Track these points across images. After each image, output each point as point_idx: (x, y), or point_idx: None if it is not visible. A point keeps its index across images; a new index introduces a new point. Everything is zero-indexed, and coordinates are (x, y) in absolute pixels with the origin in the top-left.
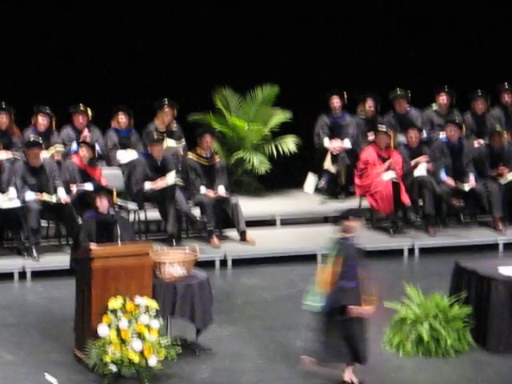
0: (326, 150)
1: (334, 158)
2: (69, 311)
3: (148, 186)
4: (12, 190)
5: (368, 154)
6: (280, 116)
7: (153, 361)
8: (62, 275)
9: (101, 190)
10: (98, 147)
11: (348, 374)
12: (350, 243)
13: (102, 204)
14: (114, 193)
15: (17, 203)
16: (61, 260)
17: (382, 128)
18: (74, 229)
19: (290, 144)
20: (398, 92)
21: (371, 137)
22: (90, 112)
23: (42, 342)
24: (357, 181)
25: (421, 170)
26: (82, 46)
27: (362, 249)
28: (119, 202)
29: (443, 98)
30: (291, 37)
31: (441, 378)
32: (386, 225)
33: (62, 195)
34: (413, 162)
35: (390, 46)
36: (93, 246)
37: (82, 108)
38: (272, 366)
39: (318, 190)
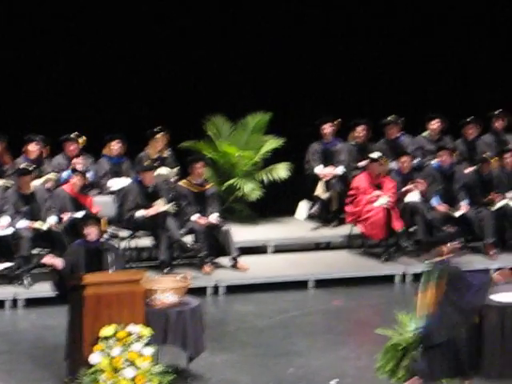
0: (317, 177)
1: (326, 185)
2: (61, 339)
3: (140, 213)
4: (4, 218)
5: (359, 181)
6: (272, 143)
7: None
8: (54, 303)
9: (88, 218)
10: (89, 175)
11: None
12: (450, 265)
13: (92, 231)
14: (103, 221)
15: (9, 231)
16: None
17: (375, 155)
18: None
19: (281, 171)
20: (390, 118)
21: (362, 162)
22: (82, 140)
23: (34, 370)
24: (347, 208)
25: (413, 195)
26: (74, 74)
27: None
28: (111, 229)
29: (435, 124)
30: (282, 64)
31: None
32: (378, 251)
33: (52, 222)
34: (404, 189)
35: (383, 72)
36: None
37: (73, 136)
38: None
39: (309, 216)
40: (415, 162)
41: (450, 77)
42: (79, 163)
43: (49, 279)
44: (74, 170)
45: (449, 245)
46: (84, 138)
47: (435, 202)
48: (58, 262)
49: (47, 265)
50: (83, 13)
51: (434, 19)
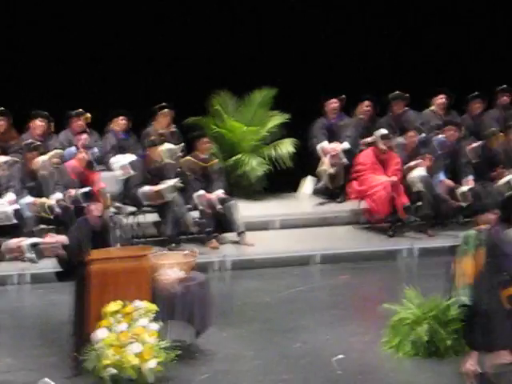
0: (323, 152)
1: (332, 160)
2: (67, 315)
3: (146, 189)
4: (11, 194)
5: (365, 156)
6: (278, 118)
7: (152, 363)
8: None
9: (92, 194)
10: (96, 150)
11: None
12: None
13: (96, 208)
14: (107, 197)
15: (15, 207)
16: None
17: (382, 132)
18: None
19: (288, 146)
20: (396, 93)
21: (368, 139)
22: (88, 115)
23: (41, 346)
24: (352, 184)
25: (419, 170)
26: (79, 50)
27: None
28: (117, 204)
29: (441, 100)
30: (288, 39)
31: (440, 379)
32: (384, 226)
33: (58, 198)
34: (411, 163)
35: (388, 48)
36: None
37: (78, 112)
38: (271, 368)
39: (315, 192)
40: (421, 136)
41: (455, 51)
42: (82, 139)
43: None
44: (81, 146)
45: (486, 214)
46: (89, 114)
47: (441, 176)
48: (61, 238)
49: (50, 243)
50: None
51: None
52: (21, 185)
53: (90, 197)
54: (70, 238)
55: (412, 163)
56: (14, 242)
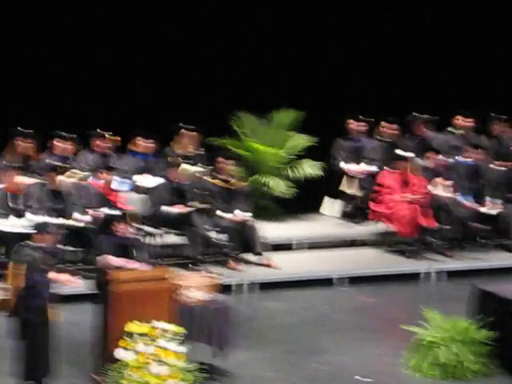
0: (343, 173)
1: (352, 181)
2: (88, 335)
3: (167, 209)
4: (30, 215)
5: (386, 178)
6: (297, 139)
7: None
8: (80, 299)
9: (119, 214)
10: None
11: None
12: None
13: (122, 228)
14: (132, 216)
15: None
16: (81, 284)
17: (402, 154)
18: (92, 252)
19: (307, 167)
20: (417, 115)
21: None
22: (109, 136)
23: (62, 366)
24: (372, 205)
25: (440, 189)
26: (102, 71)
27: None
28: (138, 225)
29: (461, 121)
30: (310, 60)
31: None
32: (405, 248)
33: (79, 219)
34: (432, 184)
35: (413, 69)
36: (110, 258)
37: (100, 133)
38: None
39: (336, 213)
40: (442, 158)
41: (476, 73)
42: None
43: (74, 275)
44: (102, 167)
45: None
46: (118, 138)
47: (462, 198)
48: (75, 281)
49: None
50: (118, 9)
51: (459, 13)
52: (40, 205)
53: (115, 217)
54: (97, 258)
55: (434, 183)
56: None
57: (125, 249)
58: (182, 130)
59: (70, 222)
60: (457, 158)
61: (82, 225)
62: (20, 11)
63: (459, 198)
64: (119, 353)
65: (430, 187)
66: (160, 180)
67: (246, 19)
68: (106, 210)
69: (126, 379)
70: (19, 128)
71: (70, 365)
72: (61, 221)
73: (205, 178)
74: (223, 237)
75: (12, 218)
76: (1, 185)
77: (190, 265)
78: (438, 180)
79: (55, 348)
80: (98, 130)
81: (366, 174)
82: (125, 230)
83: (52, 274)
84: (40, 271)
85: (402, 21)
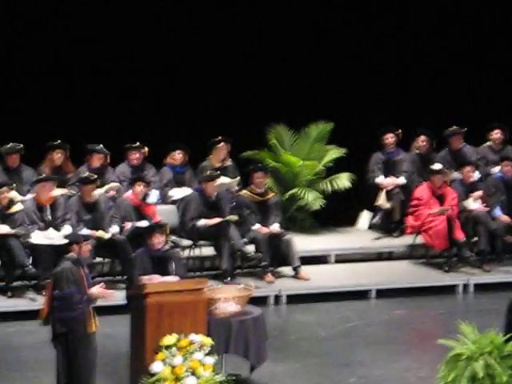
0: (379, 187)
1: (388, 195)
2: (123, 348)
3: (202, 222)
4: (67, 227)
5: (421, 191)
6: (334, 152)
7: None
8: (116, 312)
9: (155, 226)
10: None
11: None
12: None
13: (158, 240)
14: (167, 229)
15: None
16: (115, 296)
17: (438, 168)
18: (128, 265)
19: (344, 180)
20: (454, 128)
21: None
22: (145, 149)
23: (97, 379)
24: (409, 219)
25: (474, 203)
26: (138, 84)
27: None
28: (173, 238)
29: (497, 134)
30: (345, 73)
31: None
32: (440, 261)
33: (115, 231)
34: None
35: (445, 81)
36: (145, 278)
37: (137, 145)
38: None
39: (371, 226)
40: (477, 172)
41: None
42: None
43: (111, 288)
44: (138, 179)
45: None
46: (146, 148)
47: (498, 212)
48: (109, 293)
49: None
50: (148, 25)
51: (496, 27)
52: (77, 218)
53: (154, 228)
54: (137, 269)
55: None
56: None
57: (161, 261)
58: (220, 143)
59: (100, 234)
60: (492, 170)
61: (109, 236)
62: (63, 36)
63: (494, 211)
64: (156, 366)
65: (469, 200)
66: (188, 191)
67: (284, 34)
68: (140, 223)
69: None
70: (56, 141)
71: (106, 378)
72: (95, 233)
73: (242, 192)
74: (259, 250)
75: (50, 231)
76: (30, 196)
77: (225, 277)
78: (475, 194)
79: (92, 361)
80: (136, 143)
81: (394, 186)
82: (161, 242)
83: (86, 286)
84: (73, 283)
85: (437, 31)
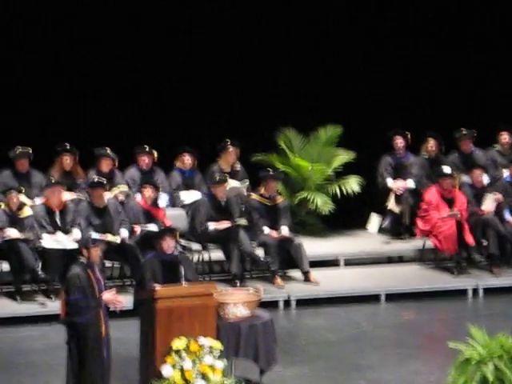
0: (389, 190)
1: (398, 198)
2: (133, 352)
3: (212, 226)
4: (76, 231)
5: (431, 195)
6: (343, 156)
7: None
8: (125, 316)
9: (166, 230)
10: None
11: None
12: None
13: (168, 244)
14: (177, 233)
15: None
16: (123, 304)
17: (447, 172)
18: (137, 269)
19: (353, 184)
20: (464, 132)
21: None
22: (155, 153)
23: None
24: (419, 223)
25: (488, 203)
26: (145, 88)
27: None
28: (183, 242)
29: (506, 138)
30: (355, 77)
31: None
32: (449, 265)
33: (124, 235)
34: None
35: (454, 85)
36: (157, 287)
37: (146, 149)
38: None
39: (381, 230)
40: (487, 176)
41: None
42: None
43: (120, 292)
44: (147, 183)
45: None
46: (155, 153)
47: (508, 215)
48: (118, 301)
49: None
50: (158, 27)
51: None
52: (87, 222)
53: (165, 232)
54: (148, 273)
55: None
56: None
57: (171, 266)
58: (229, 147)
59: (111, 238)
60: (502, 174)
61: (119, 240)
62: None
63: (505, 214)
64: (165, 370)
65: (487, 201)
66: (198, 195)
67: (294, 38)
68: (150, 226)
69: None
70: (65, 145)
71: (116, 382)
72: (106, 237)
73: (252, 195)
74: (268, 254)
75: (59, 235)
76: (40, 200)
77: (235, 281)
78: (497, 196)
79: (103, 366)
80: (145, 147)
81: (403, 189)
82: (172, 246)
83: (97, 290)
84: (79, 289)
85: (449, 36)
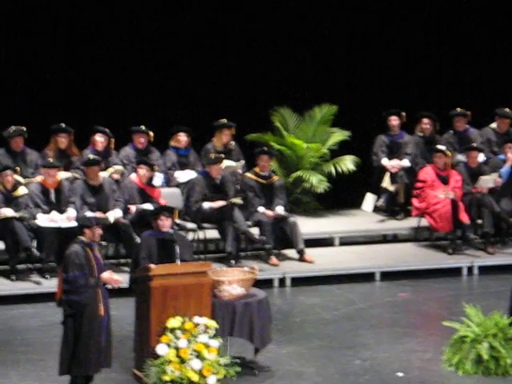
0: (384, 169)
1: (393, 177)
2: (127, 331)
3: (207, 205)
4: (71, 210)
5: (426, 173)
6: (338, 135)
7: (212, 380)
8: (120, 294)
9: (162, 209)
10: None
11: None
12: None
13: (165, 223)
14: (176, 212)
15: (75, 223)
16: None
17: (441, 148)
18: (132, 248)
19: (348, 163)
20: (458, 110)
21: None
22: (151, 133)
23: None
24: (414, 202)
25: (483, 183)
26: (139, 66)
27: None
28: (178, 221)
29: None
30: (349, 56)
31: None
32: (444, 243)
33: (118, 215)
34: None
35: (449, 64)
36: (152, 266)
37: (143, 129)
38: None
39: (376, 209)
40: (482, 155)
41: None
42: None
43: (115, 271)
44: (142, 162)
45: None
46: (151, 132)
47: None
48: (117, 279)
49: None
50: (152, 6)
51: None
52: (82, 201)
53: (162, 211)
54: (143, 252)
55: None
56: None
57: (167, 244)
58: (223, 126)
59: (111, 218)
60: (497, 154)
61: (113, 220)
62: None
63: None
64: (161, 348)
65: (487, 177)
66: (193, 174)
67: (283, 17)
68: (146, 206)
69: (167, 375)
70: (60, 124)
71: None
72: (99, 215)
73: (246, 174)
74: (263, 232)
75: (54, 213)
76: (38, 179)
77: (230, 260)
78: (483, 177)
79: (98, 345)
80: (141, 127)
81: (399, 168)
82: (167, 225)
83: (96, 269)
84: (78, 267)
85: (444, 15)
